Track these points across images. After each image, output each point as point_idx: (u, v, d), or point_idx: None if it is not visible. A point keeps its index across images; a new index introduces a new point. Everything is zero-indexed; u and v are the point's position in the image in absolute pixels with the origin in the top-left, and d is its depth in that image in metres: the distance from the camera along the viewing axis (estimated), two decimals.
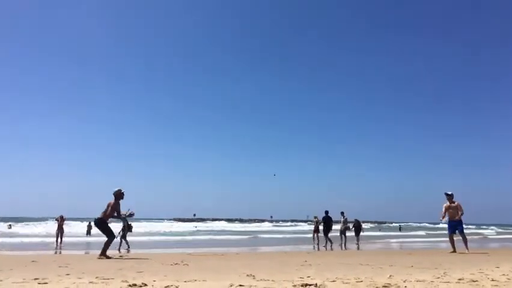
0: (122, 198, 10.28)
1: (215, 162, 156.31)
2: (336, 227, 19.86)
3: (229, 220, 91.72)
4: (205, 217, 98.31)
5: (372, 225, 73.65)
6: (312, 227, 21.36)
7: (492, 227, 73.72)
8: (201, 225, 58.16)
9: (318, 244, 19.10)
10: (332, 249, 16.76)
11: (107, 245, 9.96)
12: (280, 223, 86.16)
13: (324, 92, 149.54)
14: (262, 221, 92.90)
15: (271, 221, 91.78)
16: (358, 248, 17.63)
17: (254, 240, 26.71)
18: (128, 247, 15.24)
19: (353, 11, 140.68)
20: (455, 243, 12.38)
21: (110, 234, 10.06)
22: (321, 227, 19.46)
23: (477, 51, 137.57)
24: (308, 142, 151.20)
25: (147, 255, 11.48)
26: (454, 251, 12.05)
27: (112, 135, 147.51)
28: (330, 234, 18.70)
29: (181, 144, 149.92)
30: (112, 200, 10.21)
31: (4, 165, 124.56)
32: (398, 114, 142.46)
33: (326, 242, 18.36)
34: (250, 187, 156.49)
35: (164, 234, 33.49)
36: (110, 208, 10.13)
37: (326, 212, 19.19)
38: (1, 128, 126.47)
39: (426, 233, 42.23)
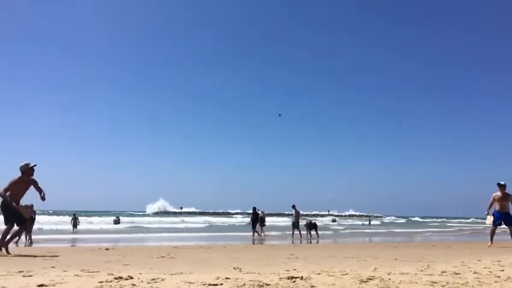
0: (32, 175, 8.40)
1: (202, 154, 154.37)
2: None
3: (216, 213, 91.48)
4: (192, 210, 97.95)
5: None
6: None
7: None
8: (196, 219, 54.38)
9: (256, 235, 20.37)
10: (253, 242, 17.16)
11: (6, 234, 8.24)
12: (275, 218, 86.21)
13: (318, 83, 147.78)
14: (249, 214, 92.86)
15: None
16: (309, 242, 17.56)
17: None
18: (31, 241, 14.34)
19: (359, 2, 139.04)
20: (494, 236, 12.07)
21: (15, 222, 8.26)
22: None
23: (482, 44, 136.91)
24: (296, 133, 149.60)
25: (133, 248, 11.44)
26: (491, 244, 11.76)
27: (102, 127, 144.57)
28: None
29: (168, 136, 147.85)
30: (17, 176, 8.30)
31: None
32: (396, 105, 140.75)
33: (254, 233, 20.35)
34: (237, 180, 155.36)
35: (151, 227, 33.32)
36: (9, 185, 8.17)
37: (254, 208, 21.05)
38: None
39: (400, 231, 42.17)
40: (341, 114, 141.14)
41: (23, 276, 4.70)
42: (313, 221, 21.93)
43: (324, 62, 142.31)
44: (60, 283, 4.13)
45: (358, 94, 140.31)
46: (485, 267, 5.85)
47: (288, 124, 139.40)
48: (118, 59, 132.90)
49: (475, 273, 5.17)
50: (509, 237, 11.83)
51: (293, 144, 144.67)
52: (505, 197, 11.85)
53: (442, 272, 5.22)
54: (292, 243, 16.75)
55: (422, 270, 5.39)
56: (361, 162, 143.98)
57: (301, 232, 20.01)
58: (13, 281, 4.30)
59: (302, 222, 21.23)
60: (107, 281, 4.23)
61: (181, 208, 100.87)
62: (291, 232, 20.21)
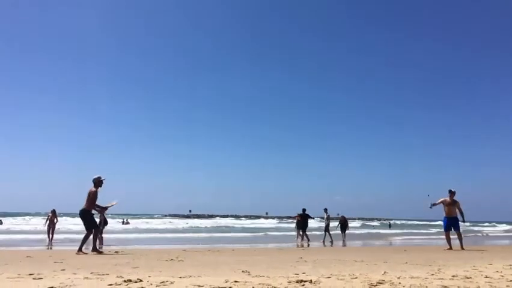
0: (100, 186, 9.86)
1: (210, 159, 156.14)
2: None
3: (224, 216, 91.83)
4: (201, 213, 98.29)
5: (358, 222, 72.84)
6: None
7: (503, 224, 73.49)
8: (204, 222, 55.82)
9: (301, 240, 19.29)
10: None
11: (85, 239, 9.71)
12: (284, 220, 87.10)
13: (323, 90, 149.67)
14: (258, 217, 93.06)
15: (271, 218, 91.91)
16: (344, 245, 17.65)
17: (265, 238, 25.84)
18: (102, 243, 14.40)
19: (355, 8, 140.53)
20: (451, 240, 12.44)
21: (90, 227, 9.74)
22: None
23: (478, 51, 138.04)
24: (304, 139, 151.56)
25: (142, 251, 11.46)
26: (450, 248, 12.05)
27: (108, 132, 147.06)
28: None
29: (176, 141, 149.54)
30: (91, 188, 9.79)
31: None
32: (397, 112, 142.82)
33: (302, 237, 18.98)
34: (244, 183, 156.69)
35: (159, 230, 33.37)
36: (90, 196, 9.70)
37: (303, 210, 19.88)
38: None
39: (419, 231, 42.48)
40: (348, 121, 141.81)
41: (34, 278, 4.74)
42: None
43: (328, 69, 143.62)
44: (70, 286, 4.16)
45: (361, 101, 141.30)
46: (497, 271, 5.78)
47: (293, 131, 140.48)
48: (117, 60, 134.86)
49: (486, 277, 5.11)
50: None
51: (299, 149, 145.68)
52: (452, 202, 12.42)
53: (453, 276, 5.17)
54: (330, 245, 17.25)
55: (432, 274, 5.34)
56: (369, 166, 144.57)
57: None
58: (24, 284, 4.34)
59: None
60: (116, 284, 4.25)
61: (190, 211, 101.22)
62: (326, 235, 19.70)
